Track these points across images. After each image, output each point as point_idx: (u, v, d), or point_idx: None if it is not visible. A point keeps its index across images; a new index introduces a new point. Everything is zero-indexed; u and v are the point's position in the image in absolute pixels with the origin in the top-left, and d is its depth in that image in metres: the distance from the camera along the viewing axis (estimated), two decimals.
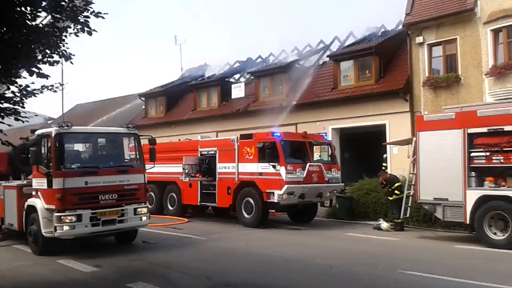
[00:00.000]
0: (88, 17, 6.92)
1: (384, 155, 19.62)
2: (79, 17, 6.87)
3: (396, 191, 14.70)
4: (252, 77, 26.21)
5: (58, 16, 6.74)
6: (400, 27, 21.55)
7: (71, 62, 7.56)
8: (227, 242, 12.84)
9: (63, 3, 6.66)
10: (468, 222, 11.86)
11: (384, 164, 18.82)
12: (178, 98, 30.23)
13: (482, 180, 11.87)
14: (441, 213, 12.46)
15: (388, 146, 19.01)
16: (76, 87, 69.27)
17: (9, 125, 7.25)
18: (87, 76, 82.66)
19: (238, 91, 26.19)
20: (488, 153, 11.67)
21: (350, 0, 54.78)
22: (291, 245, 12.22)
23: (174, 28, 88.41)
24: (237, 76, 29.10)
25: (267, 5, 74.02)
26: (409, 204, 14.03)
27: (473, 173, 12.03)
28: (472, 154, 11.88)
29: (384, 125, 19.73)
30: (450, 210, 12.25)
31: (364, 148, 21.16)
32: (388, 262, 9.79)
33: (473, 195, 11.72)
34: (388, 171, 16.83)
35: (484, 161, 11.76)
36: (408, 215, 14.22)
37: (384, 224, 14.55)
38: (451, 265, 9.55)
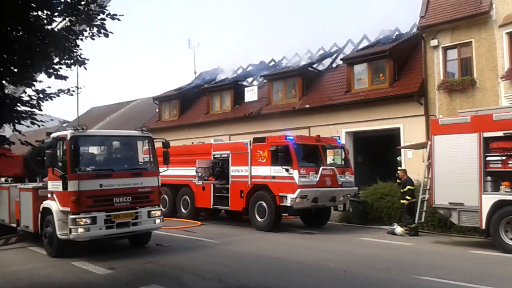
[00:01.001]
0: (104, 19, 7.01)
1: (398, 158, 19.47)
2: (95, 20, 6.95)
3: (407, 196, 14.57)
4: (265, 81, 26.24)
5: (74, 19, 6.83)
6: (415, 30, 21.40)
7: (85, 68, 7.64)
8: (239, 245, 12.83)
9: (79, 6, 6.75)
10: (483, 227, 11.72)
11: (399, 168, 18.70)
12: (191, 102, 30.37)
13: (498, 184, 11.73)
14: (456, 218, 12.33)
15: (402, 150, 18.87)
16: (91, 90, 69.98)
17: (27, 127, 7.32)
18: (102, 79, 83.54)
19: (251, 94, 26.21)
20: (504, 157, 11.51)
21: (364, 3, 54.59)
22: (303, 249, 12.17)
23: (188, 31, 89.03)
24: (250, 79, 29.15)
25: (280, 9, 74.12)
26: (424, 209, 13.90)
27: (489, 178, 11.89)
28: (488, 158, 11.75)
29: (398, 129, 19.58)
30: (466, 215, 12.12)
31: (378, 152, 21.03)
32: (402, 267, 9.70)
33: (489, 200, 11.58)
34: None
35: (500, 165, 11.61)
36: (423, 220, 14.10)
37: (398, 229, 14.42)
38: (466, 271, 9.43)
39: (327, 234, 14.93)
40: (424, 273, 9.09)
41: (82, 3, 6.80)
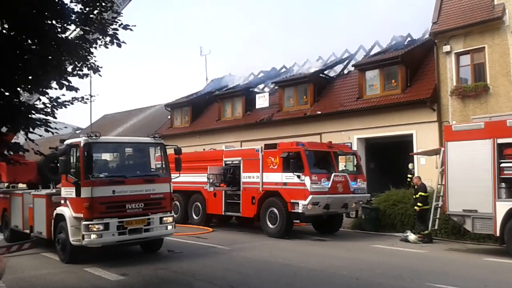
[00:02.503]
0: (116, 29, 7.07)
1: (410, 165, 19.34)
2: (108, 30, 7.02)
3: (418, 203, 14.46)
4: (276, 87, 26.27)
5: (87, 28, 6.91)
6: (427, 36, 21.32)
7: (100, 75, 7.73)
8: (251, 252, 12.81)
9: (91, 15, 6.84)
10: (498, 234, 11.58)
11: (409, 175, 18.58)
12: (203, 108, 30.52)
13: None
14: (470, 225, 12.20)
15: (415, 157, 18.75)
16: (104, 98, 70.60)
17: (40, 136, 7.40)
18: (115, 87, 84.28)
19: (262, 101, 26.25)
20: None
21: (375, 9, 54.45)
22: (315, 256, 12.11)
23: (200, 39, 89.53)
24: (261, 86, 29.22)
25: (292, 16, 74.27)
26: (438, 216, 13.77)
27: (503, 184, 11.76)
28: (502, 165, 11.62)
29: (411, 135, 19.46)
30: (480, 222, 11.99)
31: (391, 158, 20.90)
32: (415, 275, 9.61)
33: (503, 207, 11.44)
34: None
35: None
36: (436, 227, 13.96)
37: (411, 236, 14.28)
38: (480, 279, 9.31)
39: (339, 241, 14.84)
40: (437, 280, 8.99)
41: (95, 12, 6.89)
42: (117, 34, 7.06)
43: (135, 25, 7.25)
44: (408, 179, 18.76)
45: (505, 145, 11.60)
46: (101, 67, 7.67)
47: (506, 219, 11.36)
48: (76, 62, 7.30)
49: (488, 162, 11.72)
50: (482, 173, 11.78)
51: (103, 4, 6.94)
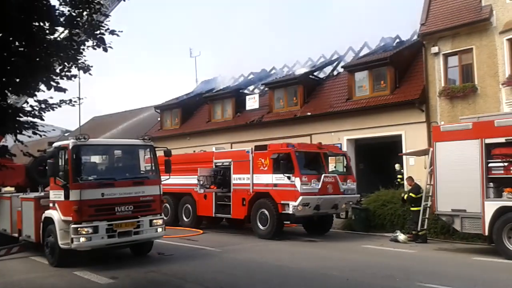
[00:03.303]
0: (103, 34, 6.99)
1: (396, 165, 19.42)
2: (96, 35, 6.96)
3: (412, 204, 14.54)
4: (266, 89, 26.30)
5: (75, 31, 6.85)
6: (415, 37, 21.47)
7: (90, 74, 7.66)
8: (242, 253, 12.80)
9: (79, 18, 6.77)
10: (486, 233, 11.68)
11: (399, 176, 18.67)
12: (193, 110, 30.45)
13: (501, 191, 11.70)
14: (459, 225, 12.30)
15: (404, 157, 18.86)
16: (93, 100, 70.18)
17: (29, 137, 7.33)
18: (104, 89, 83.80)
19: (252, 102, 26.27)
20: (506, 164, 11.50)
21: (364, 11, 54.78)
22: (306, 257, 12.14)
23: (189, 41, 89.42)
24: (251, 87, 29.24)
25: (281, 17, 74.44)
26: (427, 216, 13.87)
27: (491, 184, 11.85)
28: (490, 165, 11.74)
29: (400, 136, 19.58)
30: (469, 222, 12.09)
31: (380, 159, 21.01)
32: (405, 275, 9.66)
33: (491, 206, 11.55)
34: (405, 182, 16.70)
35: (502, 171, 11.59)
36: (425, 227, 14.05)
37: (401, 236, 14.37)
38: (469, 278, 9.40)
39: (329, 242, 14.89)
40: (427, 280, 9.04)
41: (85, 13, 6.83)
42: (103, 38, 6.98)
43: (121, 31, 7.17)
44: (398, 180, 18.87)
45: (493, 145, 11.71)
46: (92, 66, 7.61)
47: (494, 219, 11.46)
48: (66, 63, 7.23)
49: (476, 162, 11.82)
50: (470, 173, 11.88)
51: (91, 6, 6.88)
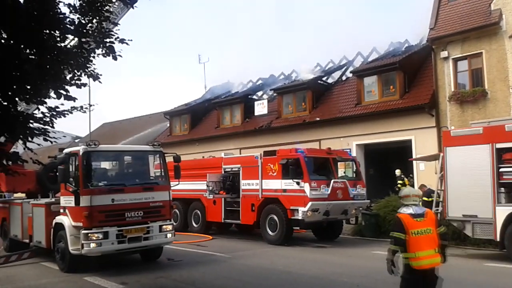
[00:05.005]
0: (112, 42, 7.05)
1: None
2: (105, 44, 7.01)
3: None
4: (274, 94, 26.33)
5: (84, 40, 6.91)
6: (424, 42, 21.40)
7: (100, 81, 7.72)
8: (251, 259, 12.77)
9: (89, 26, 6.84)
10: (498, 239, 11.57)
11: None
12: (202, 116, 30.56)
13: None
14: (470, 230, 12.19)
15: (414, 162, 18.75)
16: (103, 106, 70.60)
17: (38, 144, 7.40)
18: (114, 96, 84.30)
19: (261, 108, 26.29)
20: None
21: (372, 15, 54.74)
22: (316, 263, 12.07)
23: (198, 47, 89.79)
24: (260, 93, 29.28)
25: (290, 23, 74.54)
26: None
27: (502, 189, 11.76)
28: (501, 170, 11.63)
29: (409, 141, 19.49)
30: (480, 227, 11.98)
31: (390, 164, 20.90)
32: None
33: (503, 212, 11.44)
34: (407, 187, 16.52)
35: None
36: None
37: None
38: (481, 284, 9.30)
39: (339, 248, 14.81)
40: (439, 286, 8.93)
41: (94, 21, 6.89)
42: (113, 47, 7.04)
43: (131, 40, 7.23)
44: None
45: (504, 149, 11.62)
46: (101, 75, 7.67)
47: (506, 224, 11.35)
48: (76, 70, 7.30)
49: (487, 167, 11.72)
50: (481, 178, 11.78)
51: (101, 13, 6.95)
